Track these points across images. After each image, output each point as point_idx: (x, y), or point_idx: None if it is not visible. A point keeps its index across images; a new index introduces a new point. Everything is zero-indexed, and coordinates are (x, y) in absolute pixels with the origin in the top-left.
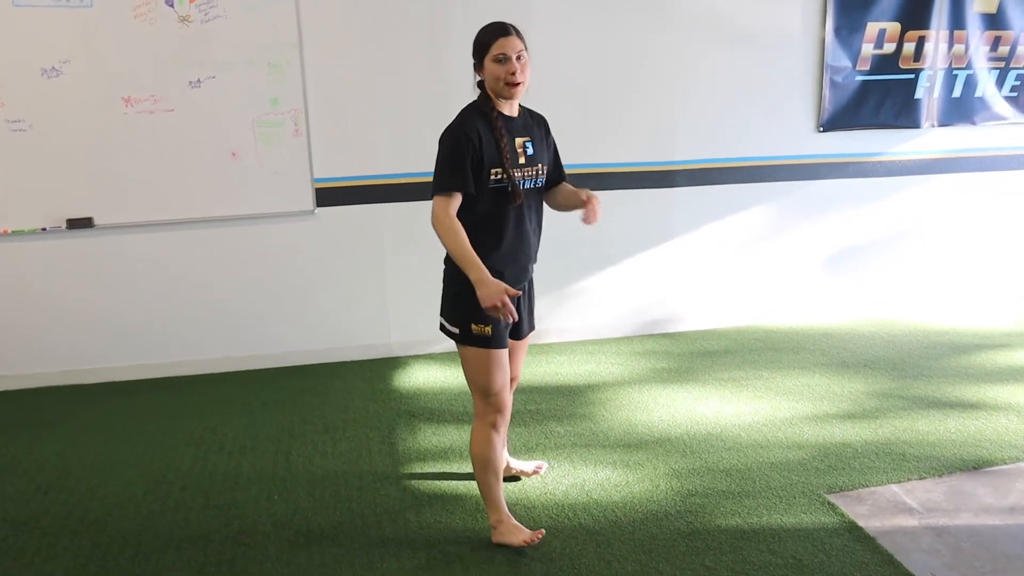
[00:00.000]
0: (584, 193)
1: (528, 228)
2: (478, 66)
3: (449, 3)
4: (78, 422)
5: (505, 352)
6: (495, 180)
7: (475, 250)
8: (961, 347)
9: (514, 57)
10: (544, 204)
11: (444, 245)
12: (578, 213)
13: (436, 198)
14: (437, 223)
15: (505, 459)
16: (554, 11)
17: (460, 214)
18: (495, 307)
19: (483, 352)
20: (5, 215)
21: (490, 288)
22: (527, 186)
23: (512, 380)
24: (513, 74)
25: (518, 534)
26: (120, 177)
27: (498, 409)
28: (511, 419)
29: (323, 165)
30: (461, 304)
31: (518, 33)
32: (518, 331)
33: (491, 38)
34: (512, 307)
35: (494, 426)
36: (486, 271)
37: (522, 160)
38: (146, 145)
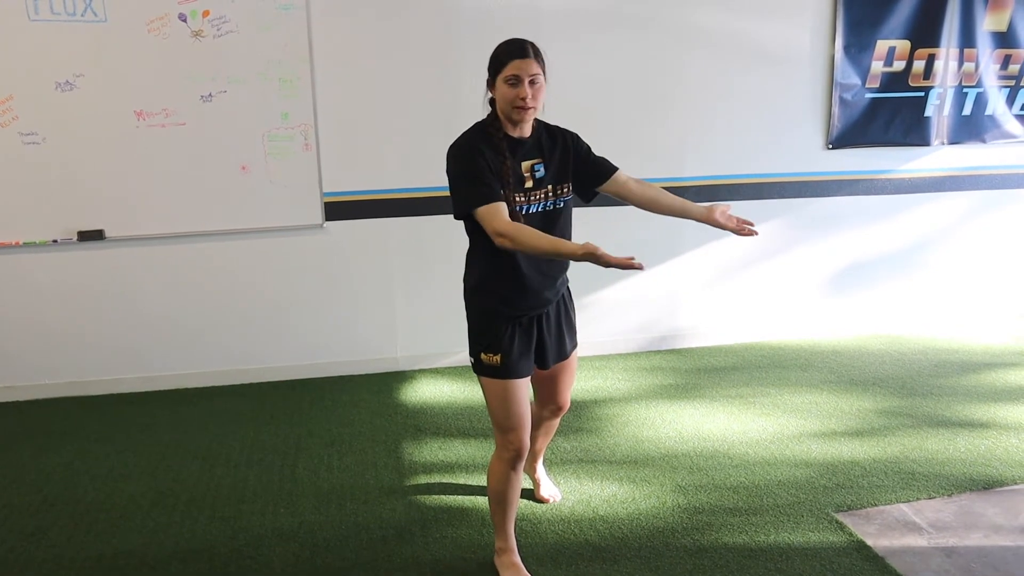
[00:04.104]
0: (708, 209)
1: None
2: (491, 83)
3: (459, 20)
4: (85, 434)
5: (521, 383)
6: None
7: (485, 277)
8: (971, 365)
9: (527, 81)
10: (562, 227)
11: (533, 251)
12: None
13: (483, 216)
14: (506, 240)
15: (539, 474)
16: (564, 28)
17: (474, 239)
18: (624, 264)
19: (494, 382)
20: (17, 227)
21: (597, 251)
22: (537, 210)
23: (559, 409)
24: (524, 99)
25: None
26: (131, 190)
27: (513, 449)
28: (554, 435)
29: (332, 179)
30: (473, 334)
31: (536, 54)
32: (543, 360)
33: (506, 58)
34: (627, 259)
35: (511, 463)
36: (574, 245)
37: (528, 184)
38: (157, 158)
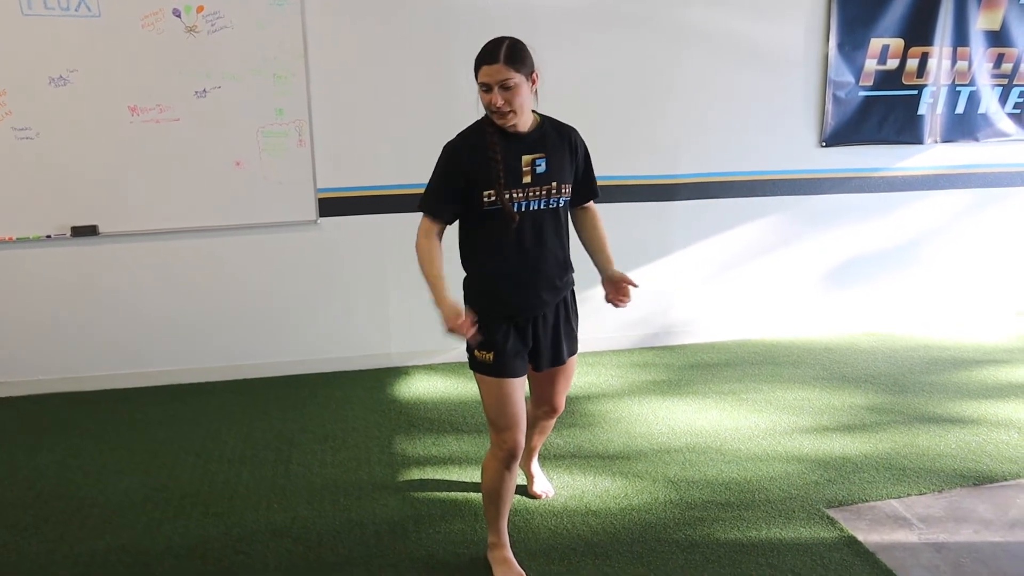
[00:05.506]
0: (619, 274)
1: (539, 253)
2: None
3: (453, 17)
4: (79, 430)
5: (513, 382)
6: (489, 203)
7: (478, 276)
8: (962, 363)
9: (496, 86)
10: (566, 226)
11: (423, 274)
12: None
13: (421, 221)
14: (416, 245)
15: (534, 470)
16: (559, 26)
17: (464, 236)
18: (451, 330)
19: (486, 380)
20: (10, 222)
21: (444, 311)
22: (536, 207)
23: (552, 411)
24: (495, 104)
25: (505, 573)
26: (125, 185)
27: (507, 448)
28: (550, 432)
29: (326, 175)
30: None
31: (510, 56)
32: (536, 362)
33: (477, 65)
34: (469, 329)
35: (505, 462)
36: (445, 292)
37: (527, 180)
38: (151, 154)
